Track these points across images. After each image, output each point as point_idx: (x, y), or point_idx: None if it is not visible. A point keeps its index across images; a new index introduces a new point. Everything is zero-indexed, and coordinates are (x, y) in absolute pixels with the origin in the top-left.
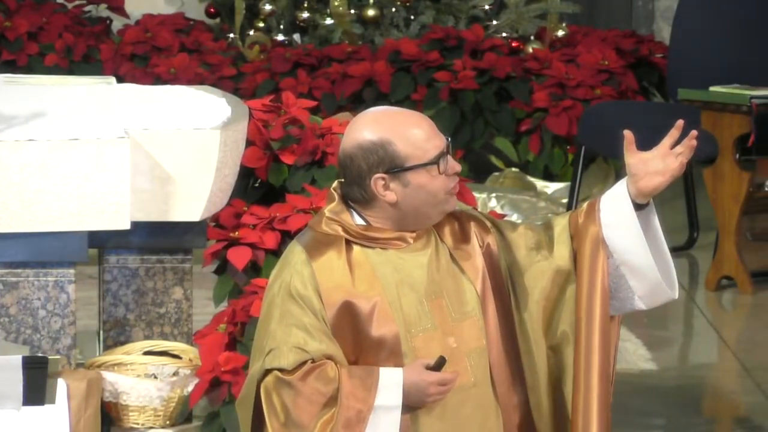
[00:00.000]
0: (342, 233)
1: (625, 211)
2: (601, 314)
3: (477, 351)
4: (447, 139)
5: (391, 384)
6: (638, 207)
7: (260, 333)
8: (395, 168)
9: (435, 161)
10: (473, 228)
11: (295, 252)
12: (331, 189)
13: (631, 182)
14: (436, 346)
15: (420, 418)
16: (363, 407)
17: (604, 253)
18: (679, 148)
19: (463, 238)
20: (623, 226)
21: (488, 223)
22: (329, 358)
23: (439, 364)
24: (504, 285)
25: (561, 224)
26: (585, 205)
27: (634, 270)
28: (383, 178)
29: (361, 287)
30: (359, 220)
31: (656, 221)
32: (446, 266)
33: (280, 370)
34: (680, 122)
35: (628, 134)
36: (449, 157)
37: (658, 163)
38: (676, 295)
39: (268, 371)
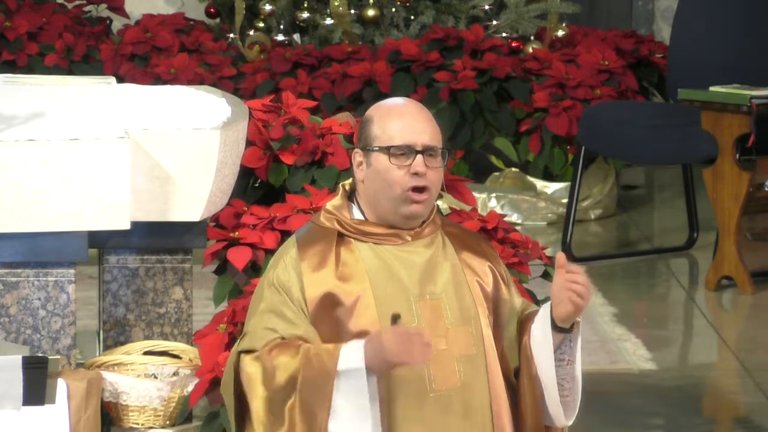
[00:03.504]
0: (336, 226)
1: (545, 328)
2: (532, 418)
3: (468, 357)
4: (436, 148)
5: (352, 348)
6: (562, 329)
7: (246, 322)
8: (366, 146)
9: (387, 147)
10: (492, 259)
11: (288, 244)
12: (341, 184)
13: (552, 306)
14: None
15: (397, 417)
16: (327, 373)
17: (532, 362)
18: (567, 285)
19: (478, 255)
20: (541, 341)
21: (505, 273)
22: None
23: (394, 320)
24: (501, 324)
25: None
26: (530, 314)
27: (546, 386)
28: (358, 153)
29: (347, 280)
30: (358, 215)
31: (577, 349)
32: (450, 271)
33: (253, 351)
34: (560, 255)
35: (560, 257)
36: (421, 158)
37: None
38: (569, 424)
39: (242, 354)
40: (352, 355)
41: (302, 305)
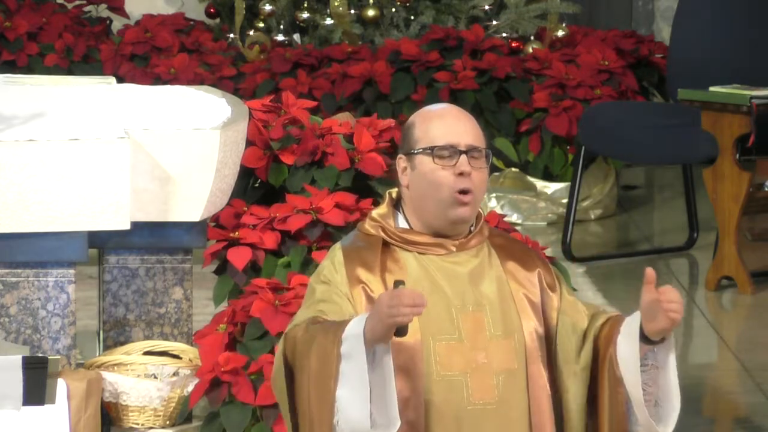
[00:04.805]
0: (381, 234)
1: (632, 341)
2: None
3: (508, 372)
4: (480, 149)
5: (358, 317)
6: (651, 341)
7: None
8: (410, 150)
9: (431, 147)
10: (540, 268)
11: (333, 250)
12: (388, 192)
13: (643, 321)
14: (459, 357)
15: (434, 430)
16: (333, 340)
17: (618, 374)
18: (664, 305)
19: (524, 266)
20: (628, 356)
21: (556, 281)
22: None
23: (395, 286)
24: (551, 331)
25: (593, 329)
26: (613, 322)
27: (634, 398)
28: (402, 159)
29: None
30: (403, 224)
31: (672, 359)
32: (495, 283)
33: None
34: (649, 271)
35: (649, 273)
36: (465, 158)
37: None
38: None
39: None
40: (355, 323)
41: (351, 300)
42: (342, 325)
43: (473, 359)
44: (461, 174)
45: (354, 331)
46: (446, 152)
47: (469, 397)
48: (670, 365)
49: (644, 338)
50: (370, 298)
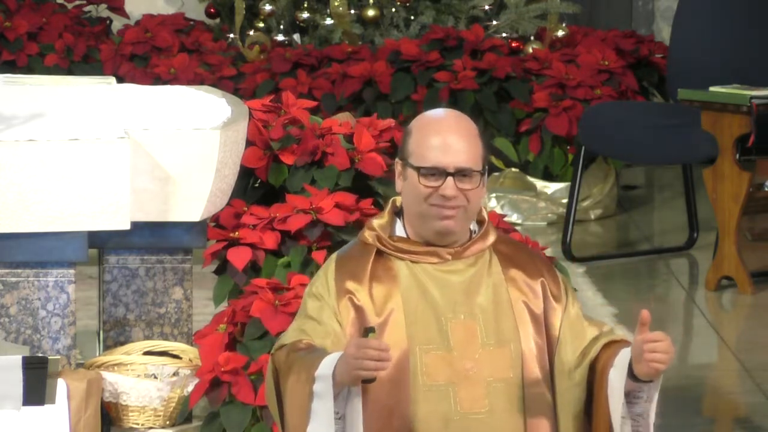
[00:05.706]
0: (376, 243)
1: (621, 376)
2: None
3: (501, 381)
4: (471, 170)
5: (332, 356)
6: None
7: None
8: (404, 158)
9: (417, 167)
10: (544, 277)
11: (330, 260)
12: (392, 199)
13: (632, 360)
14: (446, 367)
15: None
16: (306, 377)
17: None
18: (646, 355)
19: (527, 274)
20: (615, 387)
21: (563, 292)
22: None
23: (365, 333)
24: (552, 341)
25: (592, 349)
26: (611, 352)
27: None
28: (399, 163)
29: (380, 298)
30: (400, 232)
31: (655, 398)
32: (492, 291)
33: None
34: (644, 313)
35: (644, 315)
36: (451, 180)
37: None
38: None
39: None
40: (327, 363)
41: (339, 319)
42: (317, 360)
43: (461, 368)
44: (444, 197)
45: (325, 372)
46: (433, 173)
47: (456, 406)
48: (652, 406)
49: (634, 376)
50: (357, 308)
